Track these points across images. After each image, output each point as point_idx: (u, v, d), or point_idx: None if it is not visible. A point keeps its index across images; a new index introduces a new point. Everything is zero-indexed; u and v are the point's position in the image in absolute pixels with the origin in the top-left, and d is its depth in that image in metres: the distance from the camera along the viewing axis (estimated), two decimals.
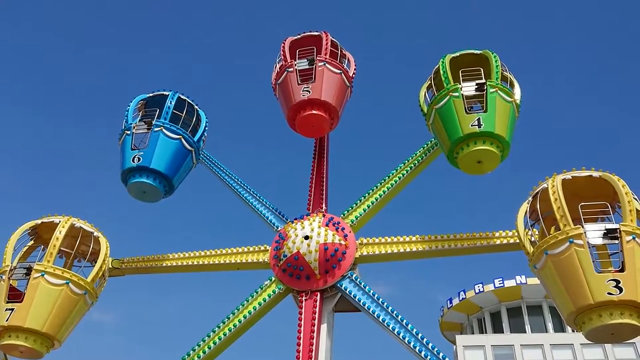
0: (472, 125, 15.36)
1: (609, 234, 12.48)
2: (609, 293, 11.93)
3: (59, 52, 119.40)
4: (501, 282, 54.59)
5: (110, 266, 17.97)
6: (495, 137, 15.42)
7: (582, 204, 13.20)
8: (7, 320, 15.21)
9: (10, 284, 15.90)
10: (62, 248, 16.78)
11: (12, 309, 15.36)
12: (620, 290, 11.88)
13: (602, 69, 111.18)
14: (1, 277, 16.07)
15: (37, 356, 15.97)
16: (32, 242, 17.40)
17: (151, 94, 19.56)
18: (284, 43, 19.52)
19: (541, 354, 47.35)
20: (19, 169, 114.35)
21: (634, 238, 12.47)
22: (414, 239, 16.63)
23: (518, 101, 16.76)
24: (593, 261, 12.39)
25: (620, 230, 12.49)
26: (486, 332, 55.16)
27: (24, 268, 16.06)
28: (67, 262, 17.29)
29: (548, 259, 12.89)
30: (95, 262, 17.02)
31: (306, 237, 16.47)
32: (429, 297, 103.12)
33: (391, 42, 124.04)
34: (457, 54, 17.46)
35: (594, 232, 12.54)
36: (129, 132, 18.29)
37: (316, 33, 19.68)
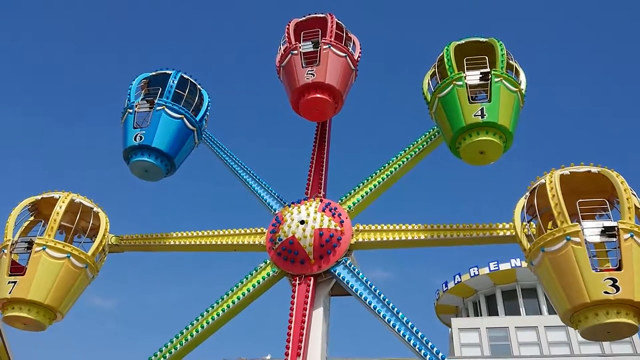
0: (475, 115, 15.14)
1: (607, 231, 12.35)
2: (605, 292, 11.78)
3: (54, 51, 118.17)
4: (496, 265, 54.92)
5: (110, 242, 18.11)
6: (499, 128, 15.22)
7: (580, 200, 13.08)
8: (10, 293, 15.47)
9: (12, 258, 16.09)
10: (62, 223, 16.92)
11: (15, 282, 15.61)
12: (617, 289, 11.75)
13: (609, 62, 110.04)
14: (3, 251, 16.29)
15: (39, 328, 16.26)
16: (32, 217, 17.55)
17: (154, 73, 19.42)
18: (288, 25, 19.30)
19: (535, 335, 47.85)
20: (18, 149, 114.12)
21: (632, 236, 12.31)
22: (409, 227, 16.48)
23: (523, 90, 16.50)
24: (590, 258, 12.27)
25: (618, 228, 12.36)
26: (481, 315, 55.69)
27: (26, 242, 16.29)
28: (67, 238, 17.42)
29: (545, 256, 12.77)
30: (95, 238, 17.22)
31: (302, 222, 16.38)
32: (425, 281, 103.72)
33: (396, 28, 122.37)
34: (462, 41, 17.11)
35: (592, 230, 12.40)
36: (131, 111, 18.20)
37: (321, 15, 19.41)
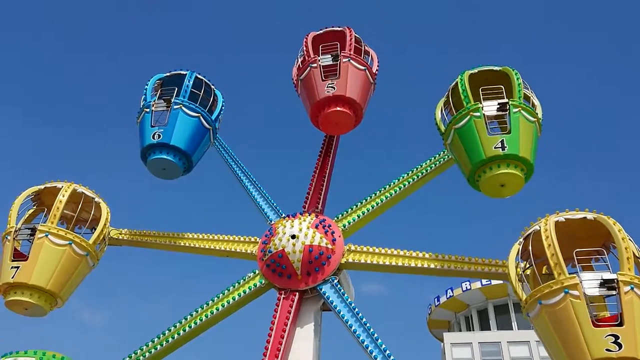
0: (495, 148, 14.72)
1: (606, 284, 11.88)
2: (607, 349, 11.32)
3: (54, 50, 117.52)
4: (488, 279, 54.92)
5: (109, 234, 18.25)
6: (520, 160, 14.84)
7: (577, 250, 12.64)
8: (12, 278, 15.81)
9: (15, 245, 16.36)
10: (64, 212, 17.10)
11: (18, 267, 15.95)
12: (620, 346, 11.29)
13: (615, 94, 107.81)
14: (7, 237, 16.56)
15: (40, 313, 16.57)
16: (35, 207, 17.75)
17: (168, 74, 19.46)
18: (306, 38, 19.10)
19: (527, 350, 47.85)
20: (29, 140, 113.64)
21: (632, 288, 11.84)
22: (401, 253, 16.23)
23: (540, 119, 16.08)
24: (588, 307, 11.79)
25: (617, 281, 11.86)
26: (473, 330, 55.59)
27: (29, 229, 16.58)
28: (69, 227, 17.60)
29: (542, 309, 12.31)
30: (95, 230, 17.44)
31: (293, 237, 16.23)
32: (418, 295, 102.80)
33: (410, 45, 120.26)
34: (476, 70, 16.64)
35: (591, 282, 11.93)
36: (148, 110, 18.22)
37: (339, 28, 19.24)
